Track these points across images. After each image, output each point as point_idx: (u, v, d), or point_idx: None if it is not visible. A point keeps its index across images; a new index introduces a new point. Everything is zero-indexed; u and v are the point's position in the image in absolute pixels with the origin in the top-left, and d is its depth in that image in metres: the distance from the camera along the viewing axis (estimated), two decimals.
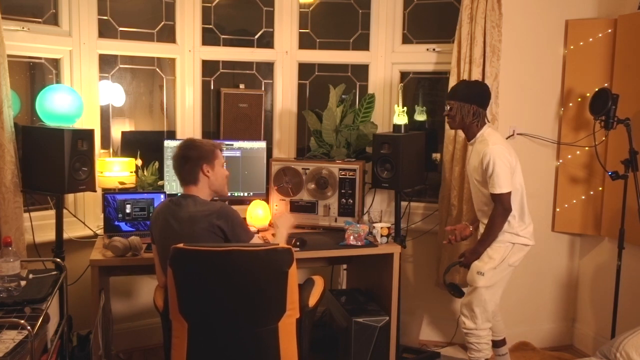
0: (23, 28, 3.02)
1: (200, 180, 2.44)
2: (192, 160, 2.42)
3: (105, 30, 3.34)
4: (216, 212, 2.35)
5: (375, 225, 3.14)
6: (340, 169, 3.33)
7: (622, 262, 3.18)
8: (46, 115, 2.86)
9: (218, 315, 2.21)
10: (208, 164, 2.45)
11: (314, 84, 3.85)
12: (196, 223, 2.34)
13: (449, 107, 2.94)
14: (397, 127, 3.30)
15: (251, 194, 3.40)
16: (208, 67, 3.63)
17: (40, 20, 3.16)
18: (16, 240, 2.72)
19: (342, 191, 3.33)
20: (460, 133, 3.38)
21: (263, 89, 3.75)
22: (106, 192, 3.14)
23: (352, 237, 3.03)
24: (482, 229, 2.94)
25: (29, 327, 1.90)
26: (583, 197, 3.55)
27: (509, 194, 2.79)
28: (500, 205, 2.79)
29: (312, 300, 2.48)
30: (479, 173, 2.86)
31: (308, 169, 3.37)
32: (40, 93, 2.88)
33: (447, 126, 3.44)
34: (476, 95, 2.91)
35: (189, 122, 3.55)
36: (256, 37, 3.73)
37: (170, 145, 3.25)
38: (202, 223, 2.33)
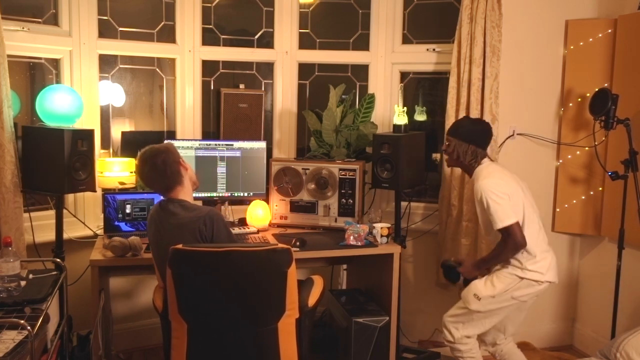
0: (23, 28, 3.02)
1: (184, 177, 2.44)
2: (169, 162, 2.39)
3: (105, 30, 3.34)
4: (202, 218, 2.31)
5: (375, 225, 3.14)
6: (340, 169, 3.33)
7: (622, 262, 3.18)
8: (46, 115, 2.86)
9: (217, 315, 2.21)
10: (180, 158, 2.45)
11: (314, 84, 3.84)
12: (184, 229, 2.32)
13: (447, 143, 2.85)
14: (397, 127, 3.30)
15: (251, 194, 3.40)
16: (208, 67, 3.63)
17: (40, 20, 3.16)
18: (16, 240, 2.72)
19: (342, 191, 3.33)
20: None
21: (263, 89, 3.75)
22: (106, 192, 3.14)
23: (352, 237, 3.03)
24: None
25: (29, 327, 1.90)
26: (583, 197, 3.55)
27: (517, 224, 2.60)
28: (510, 239, 2.60)
29: (312, 300, 2.49)
30: (479, 210, 2.74)
31: (308, 169, 3.37)
32: (40, 93, 2.87)
33: (447, 126, 3.44)
34: (476, 135, 2.79)
35: (189, 122, 3.55)
36: (256, 37, 3.73)
37: None
38: (189, 229, 2.31)
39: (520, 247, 2.62)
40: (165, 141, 2.59)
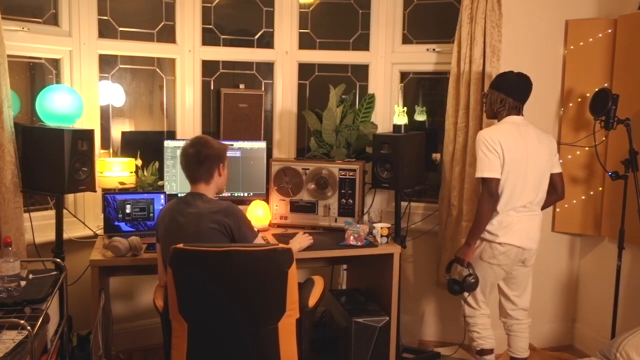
0: (23, 28, 3.02)
1: (213, 179, 2.49)
2: (210, 159, 2.45)
3: (105, 30, 3.34)
4: (223, 210, 2.38)
5: (375, 225, 3.14)
6: (340, 169, 3.33)
7: (622, 262, 3.18)
8: (46, 115, 2.86)
9: (218, 315, 2.21)
10: (222, 163, 2.51)
11: (314, 84, 3.85)
12: (202, 220, 2.36)
13: (484, 93, 2.99)
14: (397, 127, 3.30)
15: (251, 194, 3.40)
16: (208, 67, 3.64)
17: (40, 20, 3.16)
18: (16, 240, 2.72)
19: (342, 191, 3.33)
20: (460, 133, 3.38)
21: (263, 89, 3.75)
22: (106, 192, 3.14)
23: (352, 237, 3.03)
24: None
25: (29, 327, 1.89)
26: (583, 197, 3.55)
27: (495, 180, 2.73)
28: (484, 190, 2.76)
29: (312, 301, 2.49)
30: None
31: (308, 169, 3.37)
32: (40, 93, 2.88)
33: (447, 126, 3.45)
34: (508, 84, 2.87)
35: (189, 122, 3.56)
36: (256, 37, 3.73)
37: (170, 145, 3.25)
38: (209, 221, 2.35)
39: (493, 200, 2.75)
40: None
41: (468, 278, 2.85)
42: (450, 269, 3.01)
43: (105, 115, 3.43)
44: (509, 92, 2.87)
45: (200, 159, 2.43)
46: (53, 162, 2.72)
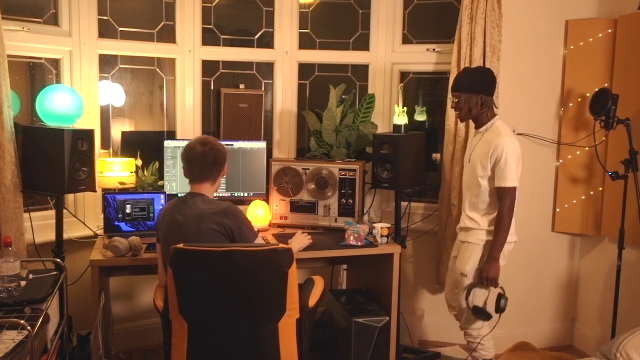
0: (23, 28, 3.01)
1: (217, 180, 2.52)
2: (220, 158, 2.48)
3: (105, 30, 3.34)
4: (224, 211, 2.39)
5: (375, 225, 3.14)
6: (340, 169, 3.33)
7: (622, 262, 3.18)
8: (46, 115, 2.86)
9: (218, 315, 2.21)
10: (226, 164, 2.54)
11: (314, 84, 3.85)
12: (203, 221, 2.36)
13: (455, 100, 2.86)
14: (397, 127, 3.30)
15: (251, 194, 3.40)
16: (208, 67, 3.64)
17: (40, 20, 3.16)
18: (16, 240, 2.72)
19: (342, 191, 3.33)
20: (460, 133, 3.38)
21: (263, 89, 3.75)
22: (106, 192, 3.14)
23: (352, 237, 3.03)
24: (466, 221, 2.90)
25: (29, 327, 1.89)
26: (583, 197, 3.55)
27: (515, 188, 2.73)
28: (509, 200, 2.71)
29: (312, 301, 2.49)
30: (484, 164, 2.77)
31: (308, 169, 3.37)
32: (40, 93, 2.88)
33: (447, 126, 3.45)
34: (482, 84, 2.82)
35: (189, 122, 3.56)
36: (256, 37, 3.73)
37: (170, 145, 3.25)
38: (209, 222, 2.35)
39: (513, 208, 2.74)
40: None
41: (502, 300, 2.74)
42: (469, 295, 2.82)
43: (105, 115, 3.43)
44: (488, 91, 2.83)
45: (212, 158, 2.45)
46: (53, 162, 2.72)
